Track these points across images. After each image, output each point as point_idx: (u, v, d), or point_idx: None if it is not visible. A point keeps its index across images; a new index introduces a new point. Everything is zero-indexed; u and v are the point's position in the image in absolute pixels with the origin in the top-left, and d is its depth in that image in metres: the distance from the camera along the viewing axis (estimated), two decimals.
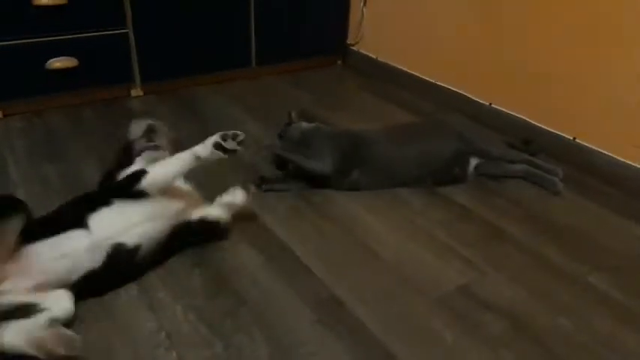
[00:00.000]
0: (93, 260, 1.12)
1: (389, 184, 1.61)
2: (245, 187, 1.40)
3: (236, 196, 1.38)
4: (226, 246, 1.35)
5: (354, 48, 2.68)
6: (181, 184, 1.35)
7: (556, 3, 1.74)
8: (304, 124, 1.70)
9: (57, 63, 2.03)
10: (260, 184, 1.58)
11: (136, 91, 2.26)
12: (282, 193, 1.57)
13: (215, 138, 1.21)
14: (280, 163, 1.70)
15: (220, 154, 1.20)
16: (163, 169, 1.24)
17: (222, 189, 1.39)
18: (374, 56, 2.58)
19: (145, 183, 1.21)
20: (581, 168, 1.73)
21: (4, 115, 2.03)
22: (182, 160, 1.23)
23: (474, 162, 1.66)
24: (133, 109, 2.16)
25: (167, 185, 1.25)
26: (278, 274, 1.26)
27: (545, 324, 1.13)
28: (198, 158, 1.21)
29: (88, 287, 1.13)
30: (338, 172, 1.57)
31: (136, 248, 1.18)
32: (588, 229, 1.46)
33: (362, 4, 2.55)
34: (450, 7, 2.14)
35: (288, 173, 1.64)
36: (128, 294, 1.18)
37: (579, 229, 1.46)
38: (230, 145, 1.20)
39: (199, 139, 1.18)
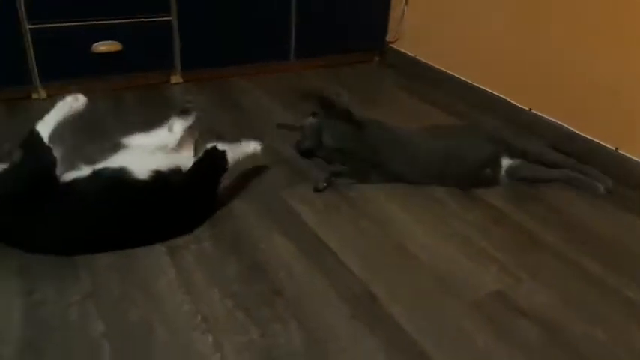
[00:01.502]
0: None
1: (409, 173, 1.61)
2: (317, 187, 1.57)
3: (249, 146, 1.52)
4: (262, 235, 1.37)
5: (393, 46, 2.67)
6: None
7: (605, 9, 1.71)
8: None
9: (102, 47, 2.07)
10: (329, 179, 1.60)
11: (176, 78, 2.29)
12: None
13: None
14: (305, 151, 1.71)
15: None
16: None
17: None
18: (412, 55, 2.56)
19: None
20: (623, 180, 1.69)
21: (49, 96, 2.08)
22: None
23: (506, 163, 1.64)
24: (171, 95, 2.20)
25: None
26: (313, 267, 1.27)
27: (581, 334, 1.12)
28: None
29: None
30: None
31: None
32: (627, 242, 1.43)
33: (404, 2, 2.54)
34: (493, 8, 2.12)
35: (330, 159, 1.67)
36: (167, 276, 1.21)
37: (618, 241, 1.44)
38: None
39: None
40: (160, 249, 1.29)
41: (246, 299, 1.16)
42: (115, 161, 1.33)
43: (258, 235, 1.37)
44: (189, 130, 1.48)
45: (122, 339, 1.04)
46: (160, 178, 1.31)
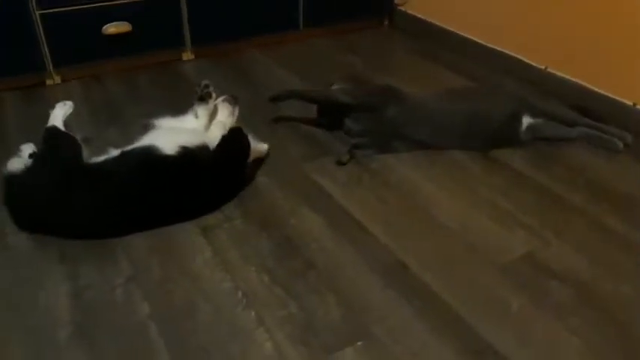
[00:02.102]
0: None
1: (433, 139, 1.62)
2: (340, 161, 1.57)
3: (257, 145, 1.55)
4: (290, 210, 1.39)
5: (401, 8, 2.63)
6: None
7: None
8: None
9: (112, 28, 2.06)
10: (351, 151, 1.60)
11: (187, 55, 2.29)
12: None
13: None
14: (330, 122, 1.72)
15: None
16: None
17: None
18: (422, 17, 2.53)
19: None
20: None
21: (63, 81, 2.09)
22: None
23: (526, 121, 1.64)
24: (184, 72, 2.19)
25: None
26: (343, 239, 1.30)
27: (609, 292, 1.16)
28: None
29: None
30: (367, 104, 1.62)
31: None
32: None
33: None
34: None
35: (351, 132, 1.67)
36: (203, 255, 1.24)
37: None
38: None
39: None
40: (193, 229, 1.32)
41: (282, 274, 1.19)
42: (142, 141, 1.37)
43: (286, 210, 1.40)
44: (229, 112, 1.50)
45: (168, 319, 1.08)
46: (187, 153, 1.34)
